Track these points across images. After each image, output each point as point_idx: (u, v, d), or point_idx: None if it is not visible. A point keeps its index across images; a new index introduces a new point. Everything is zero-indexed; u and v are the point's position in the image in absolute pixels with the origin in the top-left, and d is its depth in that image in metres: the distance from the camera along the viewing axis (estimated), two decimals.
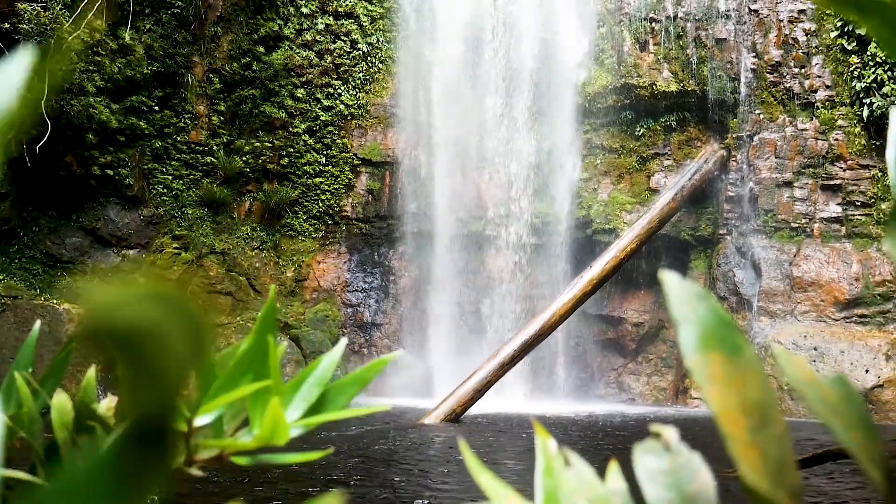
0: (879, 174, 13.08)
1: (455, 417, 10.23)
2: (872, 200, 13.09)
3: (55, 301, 11.87)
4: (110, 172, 13.73)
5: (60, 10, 11.78)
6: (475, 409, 10.66)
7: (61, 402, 0.82)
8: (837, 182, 13.22)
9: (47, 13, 11.62)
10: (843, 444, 0.35)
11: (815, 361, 11.85)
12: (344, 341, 0.73)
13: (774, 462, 0.33)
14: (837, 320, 12.61)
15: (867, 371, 11.66)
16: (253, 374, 0.65)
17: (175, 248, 14.19)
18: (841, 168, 13.24)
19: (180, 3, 14.11)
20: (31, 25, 11.53)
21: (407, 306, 15.10)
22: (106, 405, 0.83)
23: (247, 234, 14.87)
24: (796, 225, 13.27)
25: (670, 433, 0.39)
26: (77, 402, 0.83)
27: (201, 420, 0.65)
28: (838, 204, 13.21)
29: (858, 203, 13.14)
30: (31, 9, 11.58)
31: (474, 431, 9.18)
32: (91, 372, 0.86)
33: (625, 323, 14.50)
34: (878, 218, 13.06)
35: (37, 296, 12.12)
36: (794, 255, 13.08)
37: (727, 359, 0.35)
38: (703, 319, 0.34)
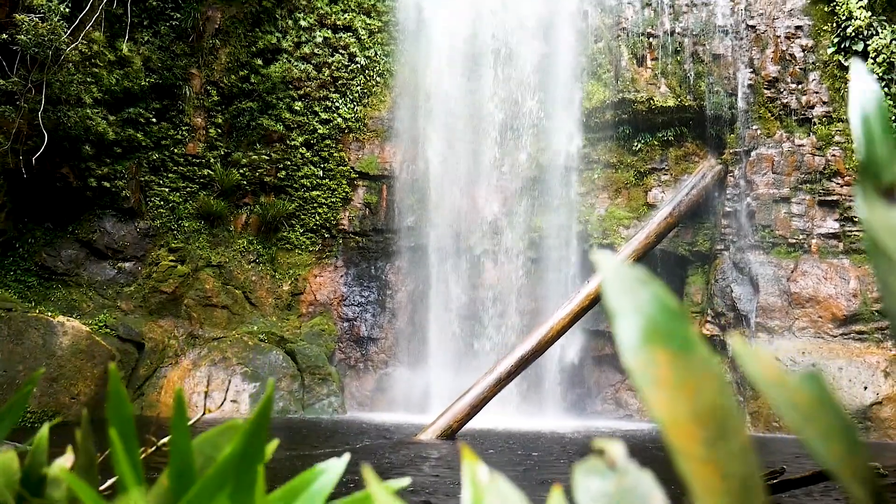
0: None
1: (451, 434, 10.12)
2: None
3: (49, 313, 11.77)
4: (107, 184, 13.68)
5: (59, 21, 11.76)
6: (472, 425, 10.55)
7: (7, 461, 0.74)
8: (835, 198, 13.20)
9: (45, 24, 11.60)
10: (818, 458, 0.30)
11: None
12: (346, 459, 0.65)
13: (736, 482, 0.28)
14: (835, 336, 12.54)
15: (865, 388, 11.57)
16: (235, 483, 0.58)
17: (171, 260, 14.11)
18: (838, 184, 13.22)
19: (178, 16, 14.12)
20: (29, 37, 11.52)
21: (403, 321, 15.01)
22: (59, 465, 0.75)
23: (243, 247, 14.81)
24: (794, 240, 13.22)
25: (616, 449, 0.33)
26: (26, 464, 0.75)
27: None
28: (836, 220, 13.18)
29: (856, 219, 13.10)
30: (30, 20, 11.57)
31: (469, 448, 9.07)
32: (44, 430, 0.77)
33: None
34: None
35: (31, 308, 12.02)
36: (792, 271, 13.03)
37: (676, 357, 0.28)
38: (645, 309, 0.28)
